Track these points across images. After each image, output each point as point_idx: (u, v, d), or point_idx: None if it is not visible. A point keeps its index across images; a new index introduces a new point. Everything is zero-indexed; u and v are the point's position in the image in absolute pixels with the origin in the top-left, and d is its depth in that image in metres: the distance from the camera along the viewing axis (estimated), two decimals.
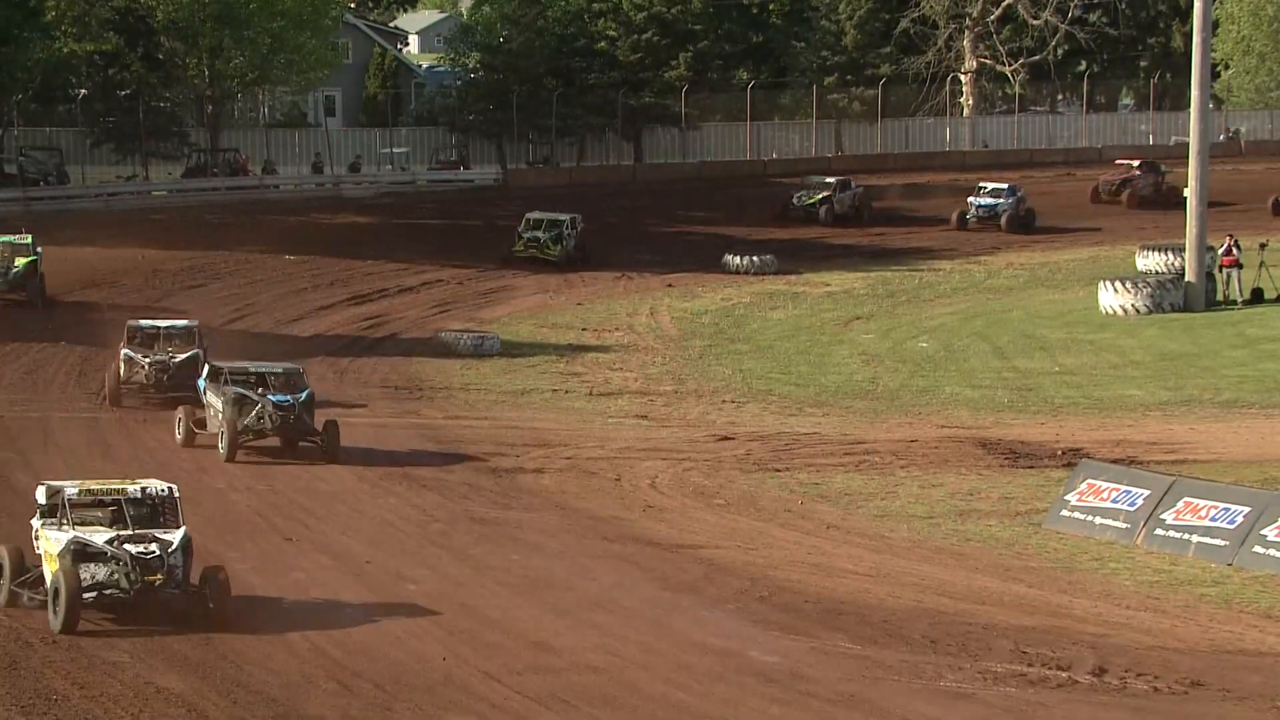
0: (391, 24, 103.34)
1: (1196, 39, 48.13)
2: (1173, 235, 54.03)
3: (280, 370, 31.78)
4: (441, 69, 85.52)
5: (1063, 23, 78.03)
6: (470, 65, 75.80)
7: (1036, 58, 78.82)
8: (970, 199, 63.77)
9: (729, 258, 56.04)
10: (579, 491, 29.31)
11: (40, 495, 21.97)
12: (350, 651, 19.88)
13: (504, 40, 73.86)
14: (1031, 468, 30.73)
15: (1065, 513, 26.78)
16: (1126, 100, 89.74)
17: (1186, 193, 48.63)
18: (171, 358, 34.99)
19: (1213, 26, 60.83)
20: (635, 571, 24.14)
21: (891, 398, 38.24)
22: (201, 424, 31.24)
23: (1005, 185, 65.02)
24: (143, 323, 36.62)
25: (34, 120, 66.76)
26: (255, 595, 22.31)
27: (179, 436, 31.39)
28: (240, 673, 18.99)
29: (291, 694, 18.34)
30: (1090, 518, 26.40)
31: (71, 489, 21.62)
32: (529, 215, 56.30)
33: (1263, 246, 48.71)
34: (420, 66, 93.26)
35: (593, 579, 23.68)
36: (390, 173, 69.95)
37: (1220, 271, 48.51)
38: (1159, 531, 25.48)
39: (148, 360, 34.96)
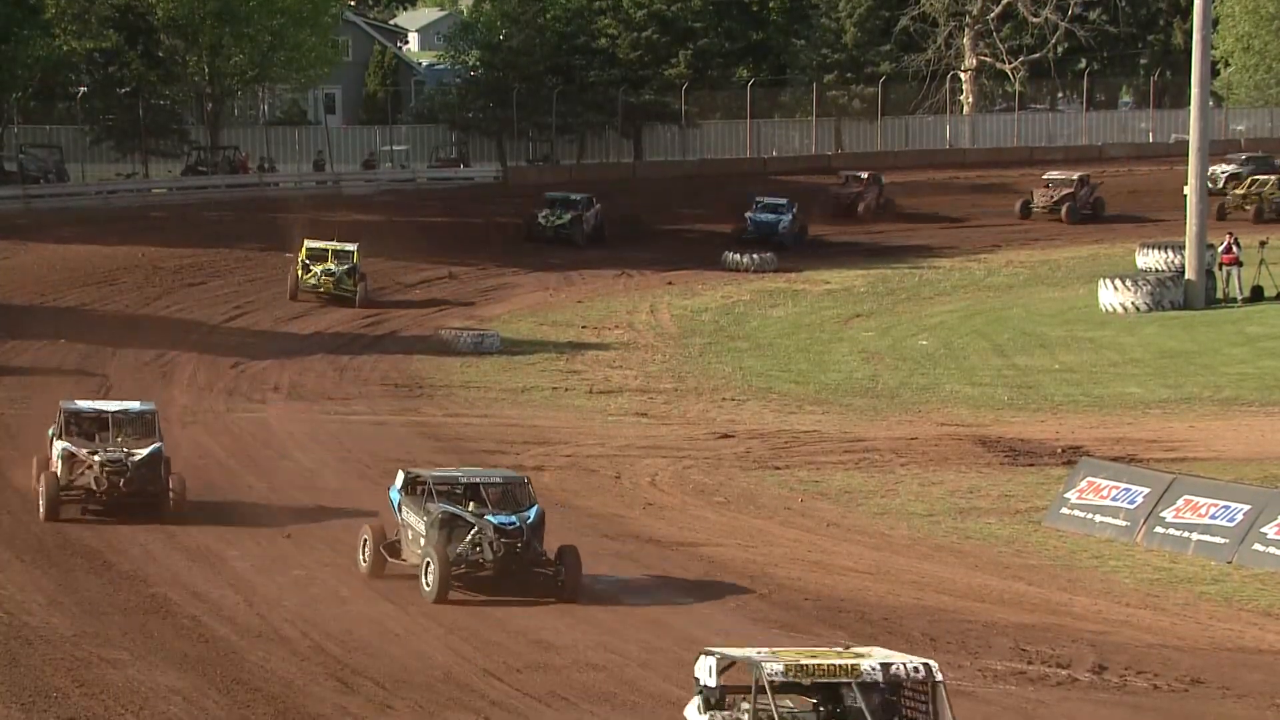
0: (391, 22, 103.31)
1: (1196, 36, 48.12)
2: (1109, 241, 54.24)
3: (499, 480, 23.82)
4: (441, 66, 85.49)
5: (1063, 20, 77.98)
6: (470, 63, 75.79)
7: (1036, 55, 78.75)
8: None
9: (729, 255, 56.04)
10: (579, 489, 29.32)
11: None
12: (350, 649, 19.88)
13: (504, 38, 73.84)
14: (1031, 465, 30.75)
15: (1065, 510, 26.79)
16: (1126, 98, 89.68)
17: (1186, 190, 48.61)
18: (129, 454, 26.46)
19: (1213, 24, 60.82)
20: (635, 569, 24.15)
21: (891, 395, 38.25)
22: (394, 550, 23.44)
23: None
24: (81, 405, 28.37)
25: (34, 118, 66.76)
26: (255, 593, 22.33)
27: (363, 565, 23.48)
28: (240, 670, 19.00)
29: (291, 691, 18.35)
30: (1090, 515, 26.40)
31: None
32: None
33: (1262, 244, 48.68)
34: (420, 64, 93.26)
35: (593, 577, 23.67)
36: (390, 170, 69.94)
37: (1220, 269, 48.48)
38: (1159, 529, 25.49)
39: (96, 459, 26.32)
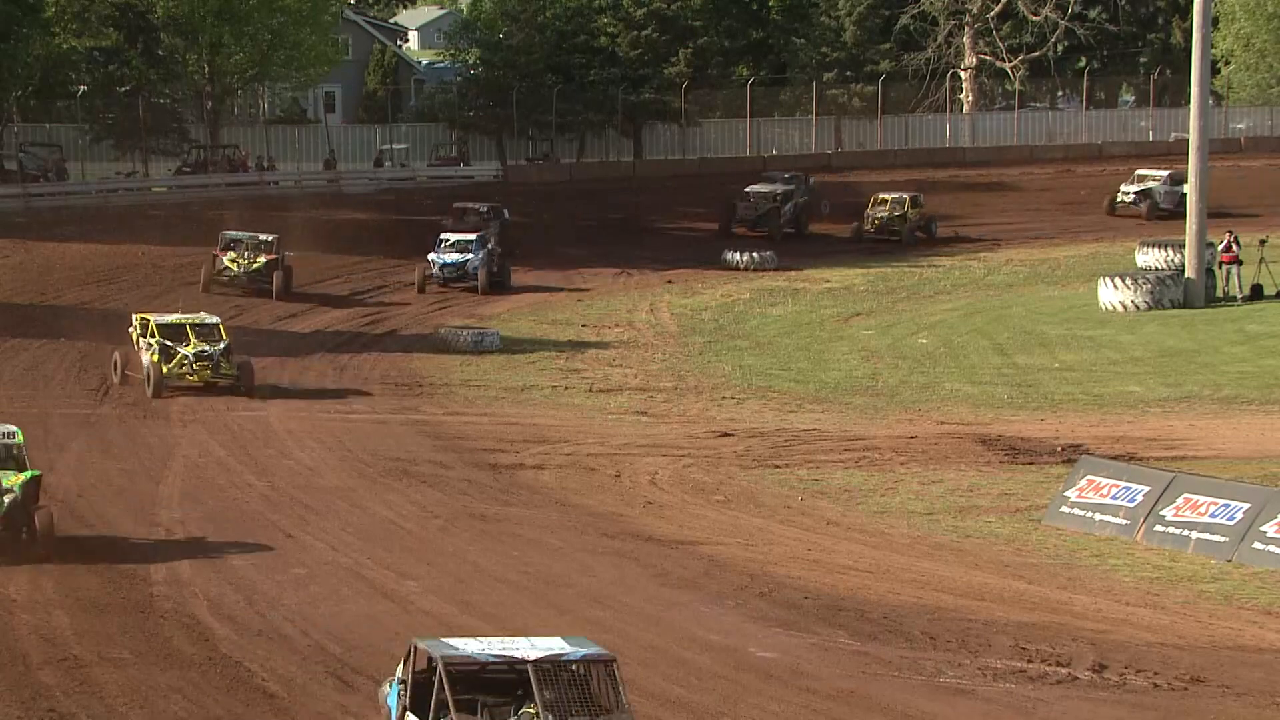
0: (391, 20, 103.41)
1: (1196, 35, 48.12)
2: None
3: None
4: (441, 65, 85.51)
5: (1063, 19, 77.97)
6: (470, 61, 75.80)
7: (1036, 54, 78.75)
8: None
9: (729, 254, 56.05)
10: (579, 488, 29.32)
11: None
12: (350, 648, 19.89)
13: (504, 36, 73.86)
14: (1031, 464, 30.74)
15: (1065, 509, 26.79)
16: (1126, 96, 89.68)
17: (1186, 189, 48.61)
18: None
19: (1213, 22, 60.80)
20: (635, 568, 24.16)
21: (891, 394, 38.25)
22: None
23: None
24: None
25: (34, 116, 66.75)
26: (255, 591, 22.34)
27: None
28: (240, 669, 19.00)
29: (292, 690, 18.35)
30: (1090, 514, 26.40)
31: None
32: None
33: (1262, 243, 48.70)
34: (420, 63, 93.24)
35: (592, 575, 23.70)
36: (390, 169, 69.95)
37: (1220, 268, 48.51)
38: (1158, 528, 25.49)
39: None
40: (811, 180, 62.43)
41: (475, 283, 49.50)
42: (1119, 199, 64.89)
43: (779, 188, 60.43)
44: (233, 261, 47.31)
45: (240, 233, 48.66)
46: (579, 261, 54.75)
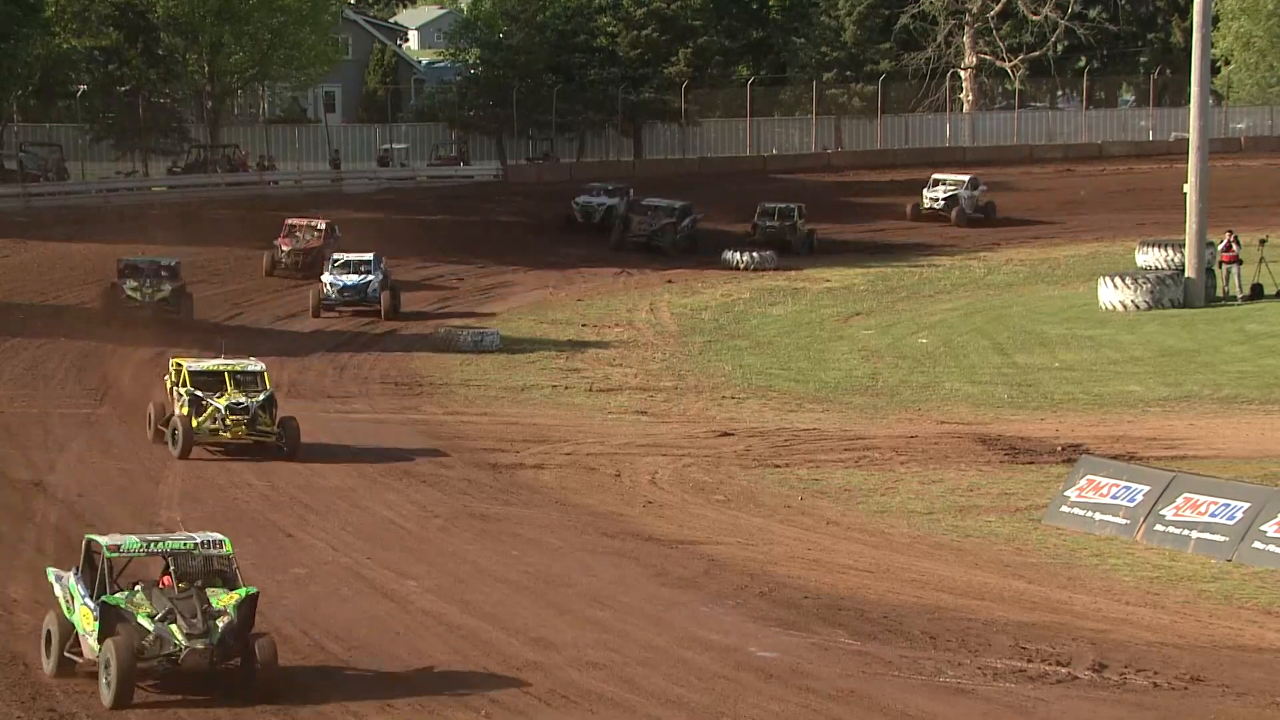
0: (391, 20, 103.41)
1: (1196, 35, 48.13)
2: None
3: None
4: (441, 64, 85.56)
5: (1063, 18, 78.01)
6: (470, 61, 75.85)
7: (1036, 53, 78.80)
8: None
9: (729, 253, 56.07)
10: (579, 487, 29.32)
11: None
12: (351, 648, 19.88)
13: (504, 36, 73.88)
14: (1031, 463, 30.74)
15: (1065, 508, 26.79)
16: (1126, 96, 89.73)
17: (1186, 188, 48.62)
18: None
19: (1212, 22, 60.80)
20: (635, 567, 24.15)
21: (891, 394, 38.25)
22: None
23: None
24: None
25: (34, 116, 66.82)
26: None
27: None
28: (240, 669, 18.97)
29: (292, 689, 18.33)
30: (1090, 513, 26.40)
31: None
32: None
33: (1262, 242, 48.71)
34: (420, 62, 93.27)
35: (592, 575, 23.69)
36: (390, 169, 69.98)
37: (1220, 267, 48.52)
38: (1159, 527, 25.49)
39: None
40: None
41: (377, 307, 45.38)
42: (924, 204, 63.86)
43: (664, 201, 58.43)
44: (135, 290, 42.75)
45: (141, 257, 44.28)
46: (579, 261, 54.73)
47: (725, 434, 33.47)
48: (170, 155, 66.28)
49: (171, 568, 18.45)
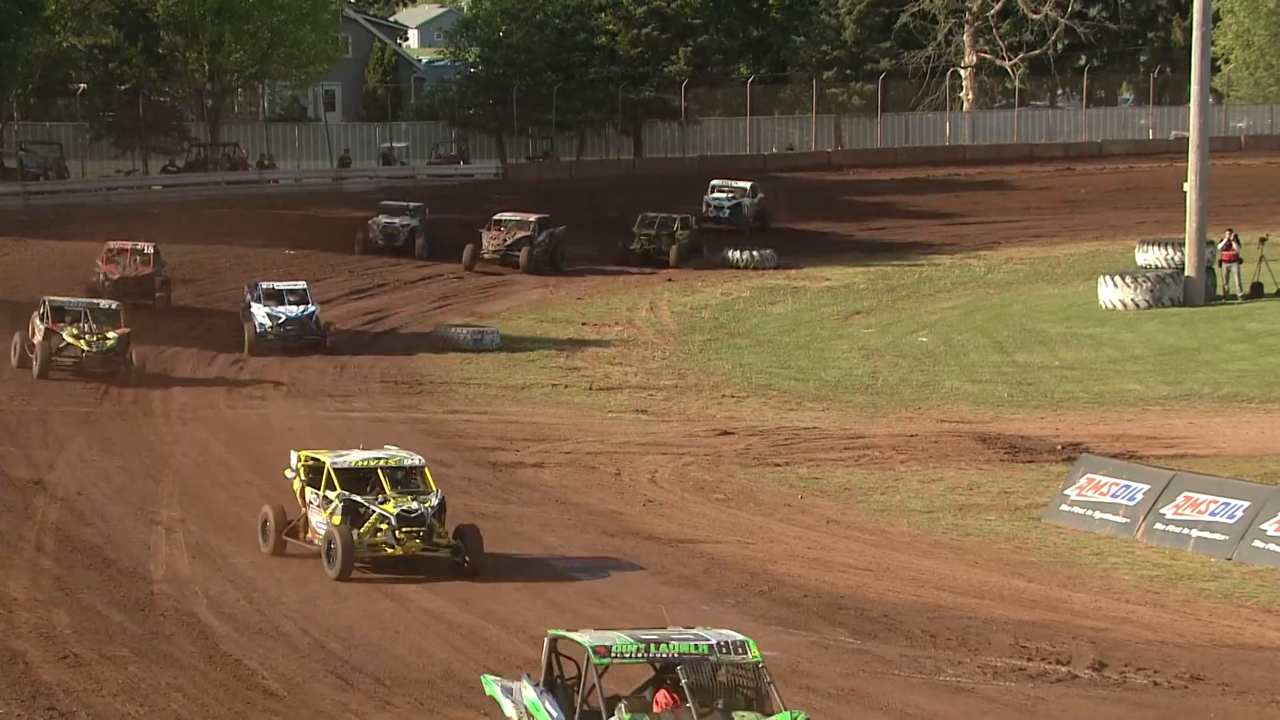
0: (391, 18, 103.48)
1: (1196, 33, 48.12)
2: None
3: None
4: (441, 63, 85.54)
5: (1063, 17, 77.98)
6: (470, 59, 75.85)
7: (1036, 52, 78.76)
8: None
9: (729, 252, 56.06)
10: (579, 486, 29.32)
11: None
12: (350, 646, 19.89)
13: (504, 34, 73.88)
14: (1031, 462, 30.74)
15: (1065, 507, 26.80)
16: (1126, 95, 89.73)
17: (1186, 187, 48.63)
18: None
19: (1213, 20, 60.80)
20: (635, 566, 24.15)
21: (891, 392, 38.24)
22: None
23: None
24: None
25: (33, 114, 66.78)
26: (255, 590, 22.33)
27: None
28: (240, 668, 19.00)
29: (291, 688, 18.34)
30: (1090, 512, 26.41)
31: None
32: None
33: (1262, 241, 48.70)
34: (420, 61, 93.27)
35: (593, 573, 23.68)
36: (391, 167, 69.99)
37: (1220, 266, 48.52)
38: (1158, 526, 25.50)
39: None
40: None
41: (321, 340, 40.73)
42: (708, 212, 59.35)
43: (517, 215, 53.87)
44: (76, 338, 36.48)
45: (72, 300, 38.41)
46: (578, 259, 54.68)
47: (725, 433, 33.47)
48: (169, 154, 66.26)
49: (682, 681, 13.79)
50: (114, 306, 37.92)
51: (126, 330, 36.94)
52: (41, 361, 36.35)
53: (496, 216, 54.04)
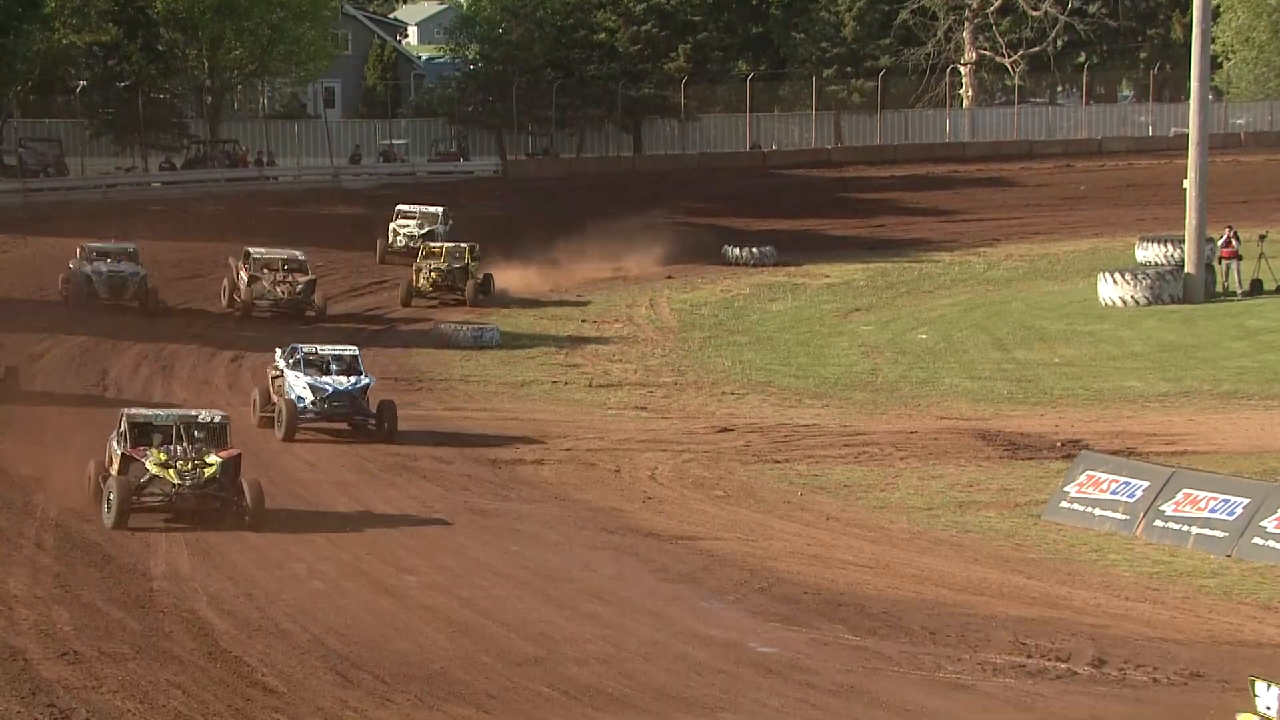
0: (391, 15, 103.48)
1: (1196, 30, 48.12)
2: None
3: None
4: (441, 60, 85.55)
5: (1062, 14, 78.00)
6: (470, 56, 75.88)
7: (1036, 49, 78.77)
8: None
9: (728, 249, 56.08)
10: (578, 483, 29.32)
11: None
12: (350, 643, 19.88)
13: (503, 31, 73.89)
14: (1031, 459, 30.75)
15: (1064, 504, 26.81)
16: (1126, 92, 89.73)
17: (1186, 184, 48.63)
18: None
19: (1213, 17, 60.77)
20: (635, 563, 24.16)
21: (891, 389, 38.25)
22: None
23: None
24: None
25: (33, 112, 66.80)
26: (255, 587, 22.34)
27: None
28: (240, 665, 18.99)
29: (291, 685, 18.34)
30: (1089, 509, 26.42)
31: None
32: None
33: (1262, 238, 48.73)
34: (420, 58, 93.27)
35: (592, 570, 23.70)
36: (391, 164, 70.02)
37: (1220, 263, 48.54)
38: (1158, 523, 25.50)
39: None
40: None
41: (378, 424, 31.96)
42: (394, 241, 52.55)
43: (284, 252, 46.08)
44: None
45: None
46: (579, 257, 54.68)
47: (725, 429, 33.47)
48: (169, 151, 66.28)
49: None
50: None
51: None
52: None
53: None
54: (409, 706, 17.79)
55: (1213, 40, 62.36)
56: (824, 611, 21.67)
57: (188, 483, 24.65)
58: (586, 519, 26.73)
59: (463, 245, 48.42)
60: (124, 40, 64.59)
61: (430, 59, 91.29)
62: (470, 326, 43.46)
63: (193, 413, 26.29)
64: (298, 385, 31.77)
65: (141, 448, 24.99)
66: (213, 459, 24.84)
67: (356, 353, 33.05)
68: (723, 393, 37.71)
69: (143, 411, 26.26)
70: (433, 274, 47.31)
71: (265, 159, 67.51)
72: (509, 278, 50.55)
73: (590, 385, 38.26)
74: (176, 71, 66.69)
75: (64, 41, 63.10)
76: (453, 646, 19.87)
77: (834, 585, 23.01)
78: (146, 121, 64.83)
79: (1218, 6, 72.07)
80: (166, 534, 25.00)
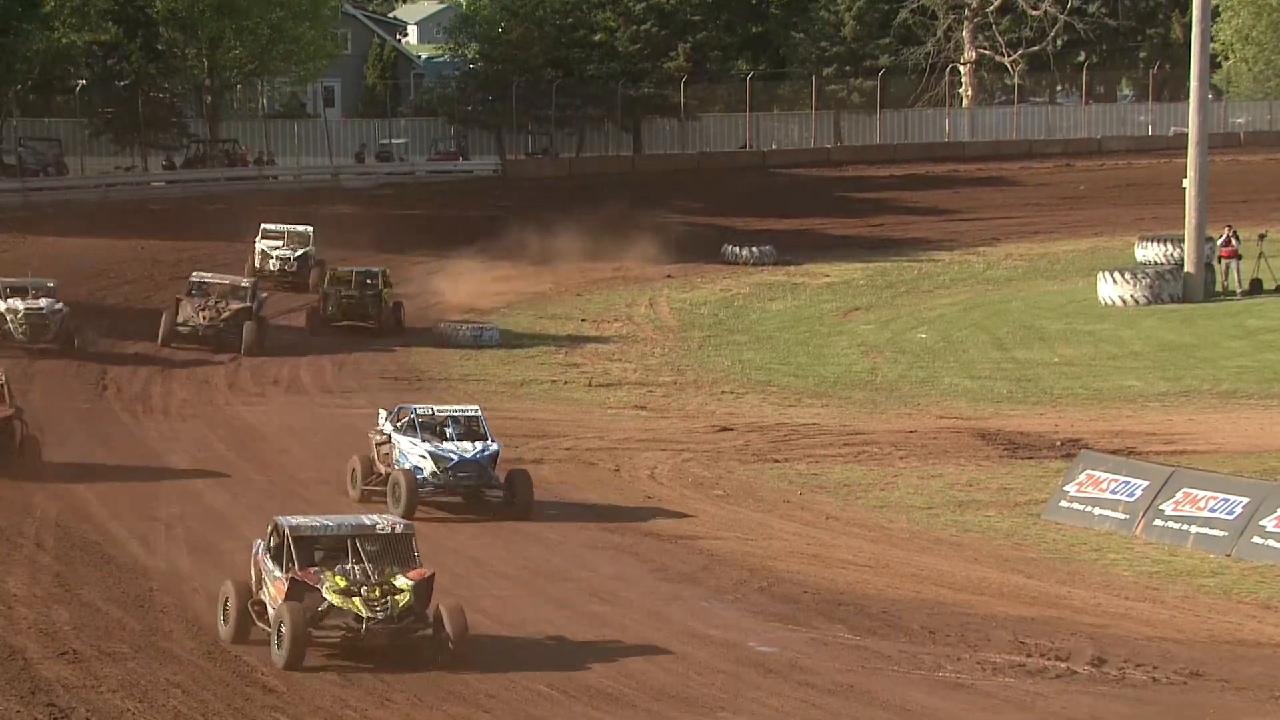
0: (390, 15, 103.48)
1: (1196, 29, 48.10)
2: None
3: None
4: (441, 59, 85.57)
5: (1062, 13, 77.99)
6: (469, 56, 75.87)
7: (1036, 48, 78.77)
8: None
9: (728, 248, 56.07)
10: (578, 482, 29.31)
11: None
12: None
13: (503, 31, 73.88)
14: (1030, 458, 30.74)
15: (1064, 503, 26.80)
16: (1126, 91, 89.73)
17: (1186, 183, 48.62)
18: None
19: (1212, 16, 60.76)
20: (635, 562, 24.16)
21: (890, 389, 38.24)
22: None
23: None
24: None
25: (33, 111, 66.79)
26: None
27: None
28: (239, 664, 18.99)
29: (291, 685, 18.34)
30: (1089, 508, 26.42)
31: None
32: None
33: (1262, 237, 48.71)
34: (419, 57, 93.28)
35: (592, 570, 23.70)
36: (390, 163, 70.04)
37: (1219, 262, 48.52)
38: (1158, 522, 25.50)
39: None
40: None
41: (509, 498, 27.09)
42: (269, 264, 47.87)
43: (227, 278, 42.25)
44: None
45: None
46: (579, 256, 54.69)
47: (724, 429, 33.47)
48: (168, 150, 66.28)
49: None
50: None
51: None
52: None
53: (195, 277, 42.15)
54: (407, 706, 17.79)
55: (1212, 39, 62.33)
56: (824, 611, 21.67)
57: (379, 615, 19.09)
58: (586, 518, 26.71)
59: (374, 270, 44.65)
60: (123, 39, 64.60)
61: (430, 58, 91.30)
62: (470, 325, 43.46)
63: (368, 521, 20.46)
64: (414, 454, 26.88)
65: (313, 569, 19.48)
66: (402, 582, 19.41)
67: (479, 413, 27.92)
68: (722, 392, 37.70)
69: (306, 521, 20.32)
70: (344, 300, 42.82)
71: (266, 158, 67.51)
72: (508, 278, 50.68)
73: (590, 384, 38.25)
74: (176, 71, 66.70)
75: (63, 41, 63.09)
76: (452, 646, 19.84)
77: (833, 585, 23.01)
78: (146, 121, 64.84)
79: (1217, 6, 72.07)
80: (166, 533, 25.02)
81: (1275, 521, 24.14)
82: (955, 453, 31.19)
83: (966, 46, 79.17)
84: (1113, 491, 26.35)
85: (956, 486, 28.86)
